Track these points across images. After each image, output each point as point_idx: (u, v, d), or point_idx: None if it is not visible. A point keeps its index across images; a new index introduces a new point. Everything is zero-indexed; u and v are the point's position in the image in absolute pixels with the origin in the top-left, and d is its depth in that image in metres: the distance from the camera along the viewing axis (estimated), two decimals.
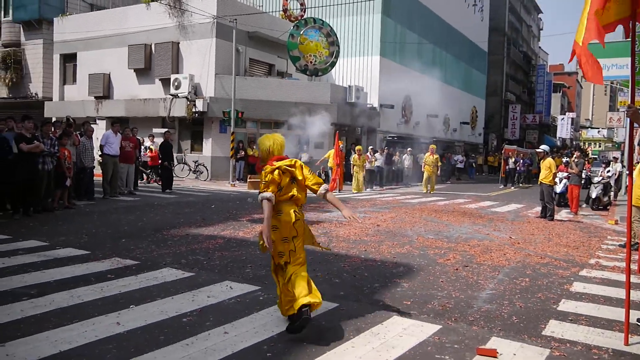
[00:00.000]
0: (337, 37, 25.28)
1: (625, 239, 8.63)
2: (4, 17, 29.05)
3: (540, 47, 73.60)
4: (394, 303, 5.29)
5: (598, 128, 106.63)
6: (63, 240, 7.66)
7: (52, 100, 27.45)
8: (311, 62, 24.45)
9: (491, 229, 10.97)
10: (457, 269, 6.89)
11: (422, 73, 34.26)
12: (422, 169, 21.64)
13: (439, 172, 21.25)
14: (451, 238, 9.43)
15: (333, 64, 25.35)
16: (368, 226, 10.41)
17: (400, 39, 30.76)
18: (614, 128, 59.99)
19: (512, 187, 26.92)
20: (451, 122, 39.15)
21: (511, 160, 27.90)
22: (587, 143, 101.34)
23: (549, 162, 13.48)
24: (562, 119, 76.21)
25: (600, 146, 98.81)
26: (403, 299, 5.46)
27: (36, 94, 28.46)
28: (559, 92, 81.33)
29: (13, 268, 5.95)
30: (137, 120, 22.76)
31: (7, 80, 28.58)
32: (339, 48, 25.38)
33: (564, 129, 75.43)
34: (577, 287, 6.27)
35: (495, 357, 4.04)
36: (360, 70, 29.41)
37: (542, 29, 72.30)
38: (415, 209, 14.11)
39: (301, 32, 24.12)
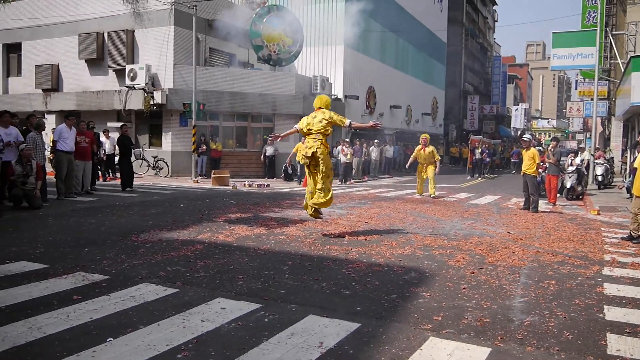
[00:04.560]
0: (300, 26, 24.35)
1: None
2: None
3: (494, 39, 74.42)
4: (423, 319, 4.48)
5: (548, 119, 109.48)
6: (14, 252, 6.53)
7: None
8: (274, 52, 23.47)
9: (484, 223, 10.34)
10: (473, 272, 6.16)
11: (385, 63, 33.75)
12: (407, 166, 17.13)
13: (437, 169, 15.57)
14: (449, 235, 8.71)
15: (297, 54, 24.46)
16: (356, 223, 9.60)
17: (364, 28, 30.03)
18: (569, 118, 61.36)
19: (480, 178, 26.67)
20: (413, 113, 38.79)
21: (478, 151, 27.63)
22: (538, 133, 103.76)
23: (532, 152, 12.97)
24: (516, 109, 77.75)
25: (550, 136, 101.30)
26: (431, 313, 4.66)
27: None
28: (512, 83, 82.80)
29: None
30: (90, 114, 21.26)
31: None
32: (302, 37, 24.46)
33: (517, 120, 76.96)
34: (611, 289, 5.62)
35: None
36: (324, 60, 28.54)
37: (496, 21, 73.09)
38: (396, 203, 13.41)
39: (264, 20, 23.07)
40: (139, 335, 3.91)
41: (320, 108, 8.52)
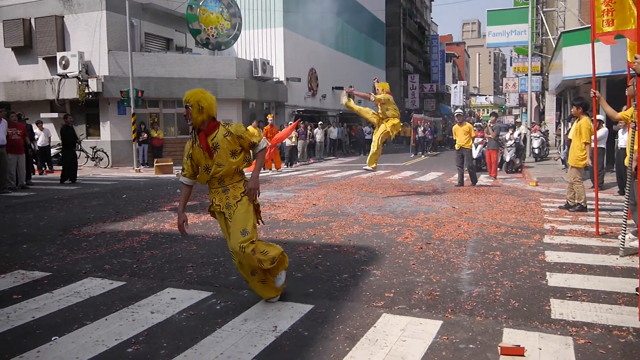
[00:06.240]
0: (238, 8, 23.93)
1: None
2: None
3: (431, 19, 75.54)
4: (375, 297, 4.53)
5: (485, 95, 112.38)
6: None
7: None
8: (213, 35, 22.99)
9: (430, 199, 10.54)
10: (421, 248, 6.27)
11: (326, 45, 33.68)
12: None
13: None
14: (396, 213, 8.84)
15: (236, 37, 24.04)
16: (304, 206, 9.59)
17: (302, 10, 29.81)
18: (505, 94, 63.21)
19: (423, 156, 27.18)
20: None
21: (420, 129, 28.11)
22: (476, 109, 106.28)
23: (468, 126, 13.19)
24: (455, 87, 79.36)
25: (488, 112, 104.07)
26: (383, 290, 4.71)
27: None
28: (450, 61, 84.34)
29: None
30: (20, 105, 20.24)
31: None
32: (241, 20, 24.06)
33: (457, 97, 78.62)
34: (552, 256, 5.85)
35: (523, 355, 3.40)
36: (264, 42, 28.21)
37: (433, 0, 74.14)
38: (343, 184, 13.48)
39: (200, 3, 22.54)
40: (85, 331, 3.78)
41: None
